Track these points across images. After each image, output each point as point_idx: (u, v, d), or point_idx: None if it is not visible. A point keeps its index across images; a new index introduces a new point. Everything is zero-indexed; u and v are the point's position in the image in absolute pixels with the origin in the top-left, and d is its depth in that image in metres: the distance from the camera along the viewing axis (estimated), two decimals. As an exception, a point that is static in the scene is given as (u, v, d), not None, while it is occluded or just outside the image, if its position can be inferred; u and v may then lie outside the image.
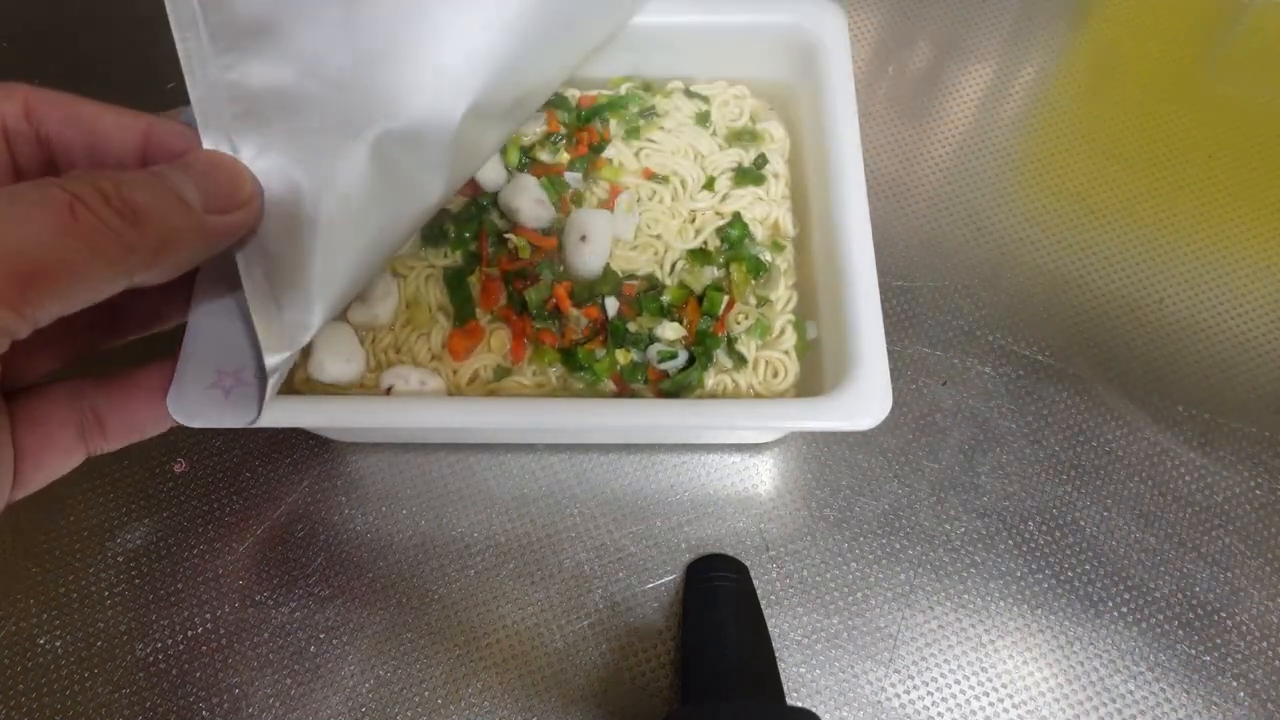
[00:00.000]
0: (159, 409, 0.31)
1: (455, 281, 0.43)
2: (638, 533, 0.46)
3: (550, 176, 0.44)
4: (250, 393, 0.32)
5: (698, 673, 0.40)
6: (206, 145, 0.28)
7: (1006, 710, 0.43)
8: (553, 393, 0.42)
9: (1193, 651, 0.44)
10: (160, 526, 0.45)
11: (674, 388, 0.41)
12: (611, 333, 0.41)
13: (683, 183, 0.46)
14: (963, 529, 0.46)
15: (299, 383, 0.41)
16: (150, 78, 0.46)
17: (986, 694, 0.43)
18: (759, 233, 0.45)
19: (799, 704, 0.42)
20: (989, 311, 0.51)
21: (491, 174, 0.44)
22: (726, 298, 0.42)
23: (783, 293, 0.44)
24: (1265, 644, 0.44)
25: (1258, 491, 0.47)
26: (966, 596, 0.45)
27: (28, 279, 0.21)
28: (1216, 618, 0.44)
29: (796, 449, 0.48)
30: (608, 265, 0.43)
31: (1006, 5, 0.61)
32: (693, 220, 0.45)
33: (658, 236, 0.45)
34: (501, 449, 0.47)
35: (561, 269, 0.43)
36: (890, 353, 0.37)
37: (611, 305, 0.42)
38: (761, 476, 0.47)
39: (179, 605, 0.44)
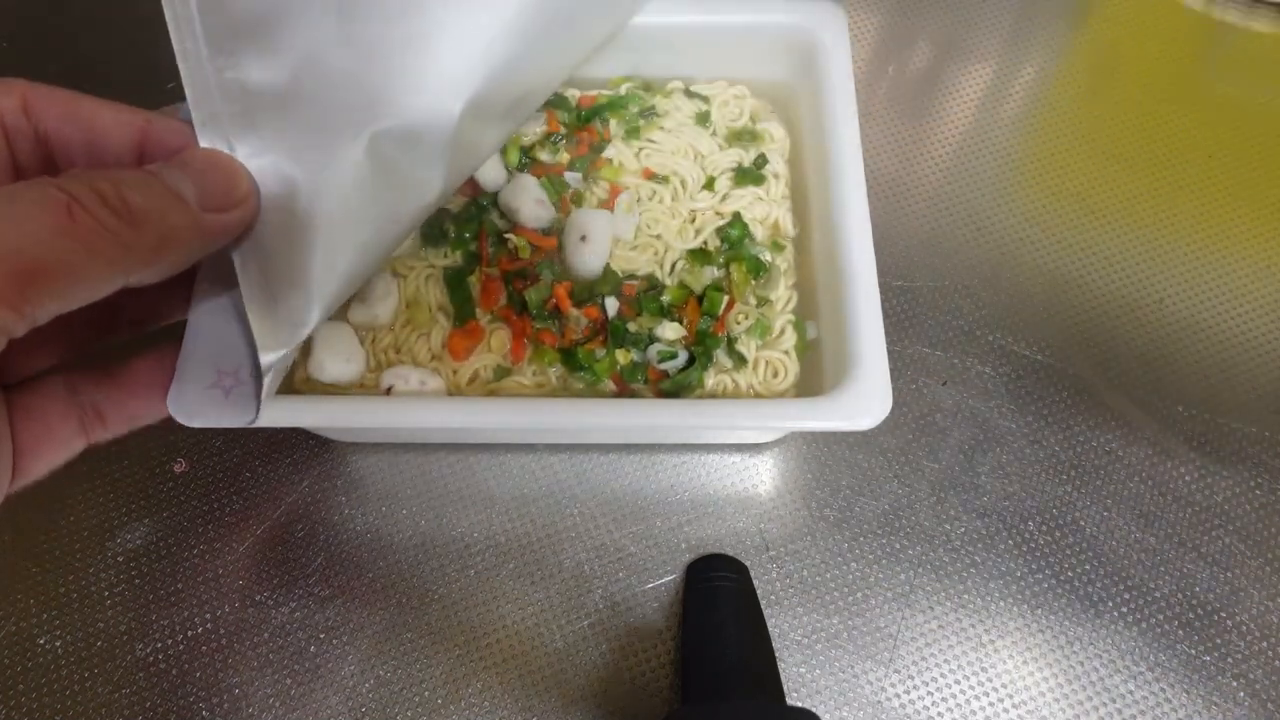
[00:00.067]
0: (157, 399, 0.31)
1: (455, 281, 0.43)
2: (638, 533, 0.46)
3: (550, 176, 0.44)
4: (249, 392, 0.32)
5: (698, 673, 0.40)
6: (203, 144, 0.28)
7: (1006, 710, 0.43)
8: (553, 393, 0.42)
9: (1193, 651, 0.44)
10: (160, 526, 0.45)
11: (674, 388, 0.41)
12: (611, 333, 0.41)
13: (683, 183, 0.46)
14: (963, 529, 0.46)
15: (299, 383, 0.41)
16: (150, 78, 0.46)
17: (986, 694, 0.43)
18: (759, 233, 0.45)
19: (799, 704, 0.42)
20: (989, 311, 0.51)
21: (491, 174, 0.44)
22: (726, 298, 0.42)
23: (783, 293, 0.44)
24: (1265, 644, 0.44)
25: (1258, 491, 0.47)
26: (966, 596, 0.45)
27: (26, 278, 0.21)
28: (1216, 618, 0.44)
29: (796, 449, 0.48)
30: (608, 265, 0.43)
31: (1006, 5, 0.61)
32: (693, 220, 0.45)
33: (658, 236, 0.45)
34: (501, 449, 0.47)
35: (561, 269, 0.43)
36: (890, 353, 0.37)
37: (611, 305, 0.42)
38: (761, 476, 0.47)
39: (179, 605, 0.44)
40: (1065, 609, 0.44)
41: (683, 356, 0.42)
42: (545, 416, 0.37)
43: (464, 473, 0.47)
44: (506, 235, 0.43)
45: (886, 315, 0.38)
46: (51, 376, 0.29)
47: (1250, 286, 0.52)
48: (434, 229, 0.43)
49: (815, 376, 0.42)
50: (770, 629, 0.43)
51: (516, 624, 0.44)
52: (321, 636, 0.43)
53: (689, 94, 0.48)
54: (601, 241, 0.42)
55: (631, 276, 0.44)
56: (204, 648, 0.43)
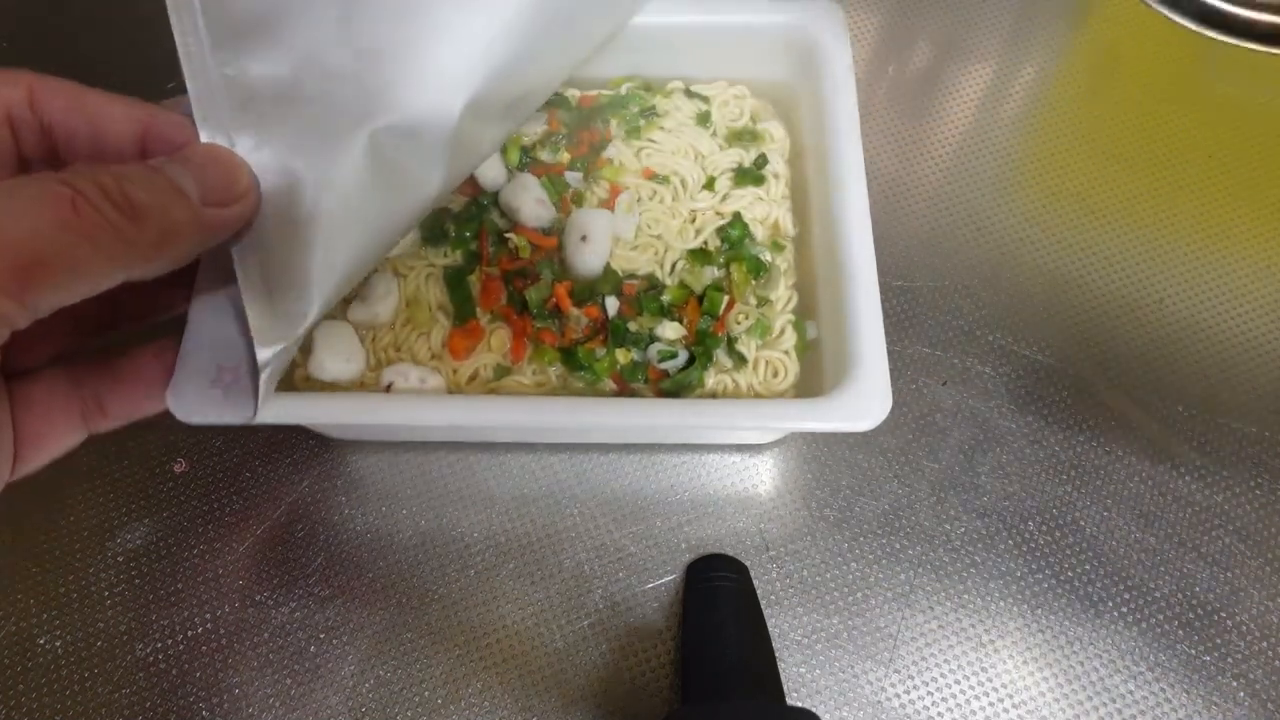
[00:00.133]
0: (159, 390, 0.32)
1: (455, 281, 0.43)
2: (638, 533, 0.46)
3: (551, 176, 0.44)
4: (248, 389, 0.32)
5: (698, 673, 0.40)
6: (204, 139, 0.28)
7: (1006, 710, 0.43)
8: (553, 392, 0.42)
9: (1193, 651, 0.44)
10: (160, 526, 0.45)
11: (674, 387, 0.41)
12: (612, 332, 0.41)
13: (683, 183, 0.46)
14: (963, 529, 0.46)
15: (299, 381, 0.41)
16: (150, 78, 0.46)
17: (986, 694, 0.43)
18: (759, 233, 0.45)
19: (799, 704, 0.42)
20: (989, 311, 0.51)
21: (492, 173, 0.44)
22: (727, 297, 0.42)
23: (783, 293, 0.44)
24: (1265, 644, 0.44)
25: (1258, 491, 0.47)
26: (966, 596, 0.45)
27: (29, 271, 0.22)
28: (1216, 618, 0.44)
29: (796, 449, 0.48)
30: (608, 265, 0.43)
31: (1006, 5, 0.61)
32: (693, 220, 0.45)
33: (658, 236, 0.45)
34: (502, 449, 0.47)
35: (561, 268, 0.43)
36: (890, 353, 0.37)
37: (612, 305, 0.42)
38: (761, 476, 0.47)
39: (179, 605, 0.44)
40: (1065, 609, 0.44)
41: (683, 356, 0.42)
42: (545, 415, 0.37)
43: (464, 473, 0.47)
44: (507, 235, 0.43)
45: (886, 315, 0.38)
46: (53, 368, 0.29)
47: (1250, 286, 0.52)
48: (434, 228, 0.43)
49: (815, 376, 0.42)
50: (770, 629, 0.43)
51: (516, 624, 0.44)
52: (321, 636, 0.43)
53: (689, 94, 0.48)
54: (602, 241, 0.42)
55: (632, 276, 0.44)
56: (204, 648, 0.43)
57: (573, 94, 0.47)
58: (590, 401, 0.39)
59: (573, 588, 0.44)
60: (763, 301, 0.44)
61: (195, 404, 0.32)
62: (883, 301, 0.38)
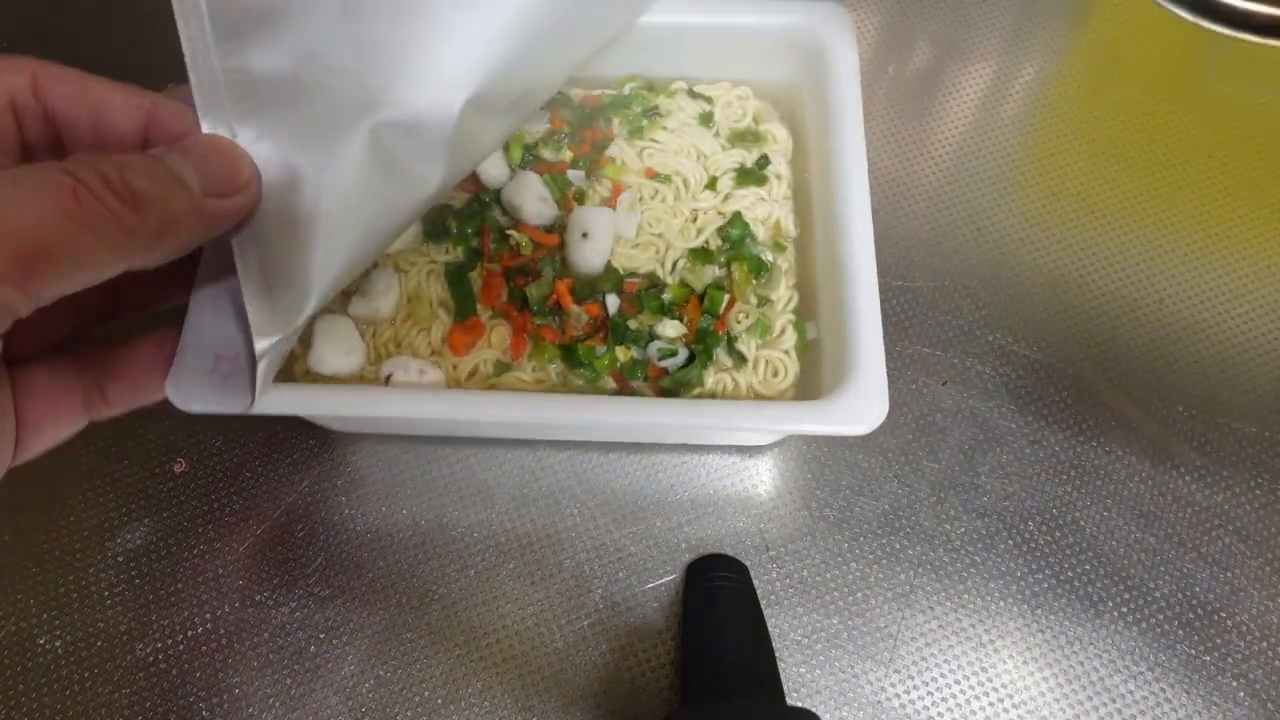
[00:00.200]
0: (158, 379, 0.32)
1: (457, 277, 0.43)
2: (638, 533, 0.46)
3: (553, 174, 0.44)
4: (246, 379, 0.32)
5: (698, 673, 0.40)
6: (205, 129, 0.28)
7: (1006, 710, 0.43)
8: (552, 389, 0.42)
9: (1193, 651, 0.44)
10: (160, 526, 0.45)
11: (674, 385, 0.41)
12: (612, 330, 0.41)
13: (685, 182, 0.46)
14: (963, 529, 0.46)
15: (299, 375, 0.41)
16: (150, 78, 0.45)
17: (986, 694, 0.43)
18: (760, 233, 0.45)
19: (799, 704, 0.42)
20: (989, 311, 0.51)
21: (494, 171, 0.44)
22: (727, 296, 0.42)
23: (783, 293, 0.44)
24: (1265, 644, 0.44)
25: (1258, 491, 0.47)
26: (966, 596, 0.45)
27: (32, 259, 0.22)
28: (1216, 618, 0.44)
29: (796, 449, 0.48)
30: (609, 263, 0.43)
31: (1006, 5, 0.61)
32: (694, 219, 0.45)
33: (659, 235, 0.45)
34: (502, 448, 0.47)
35: (563, 266, 0.43)
36: (890, 353, 0.37)
37: (612, 302, 0.42)
38: (761, 476, 0.47)
39: (179, 605, 0.44)
40: (1065, 609, 0.44)
41: (683, 354, 0.42)
42: (543, 412, 0.37)
43: (464, 473, 0.47)
44: (509, 232, 0.43)
45: (886, 315, 0.38)
46: (55, 355, 0.30)
47: (1250, 286, 0.52)
48: (437, 225, 0.44)
49: (815, 377, 0.42)
50: (770, 629, 0.43)
51: (516, 624, 0.44)
52: (321, 636, 0.43)
53: (693, 94, 0.48)
54: (603, 239, 0.43)
55: (633, 274, 0.44)
56: (204, 648, 0.43)
57: (576, 93, 0.47)
58: (589, 399, 0.39)
59: (573, 588, 0.44)
60: (763, 301, 0.44)
61: (193, 393, 0.32)
62: (883, 301, 0.38)
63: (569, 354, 0.41)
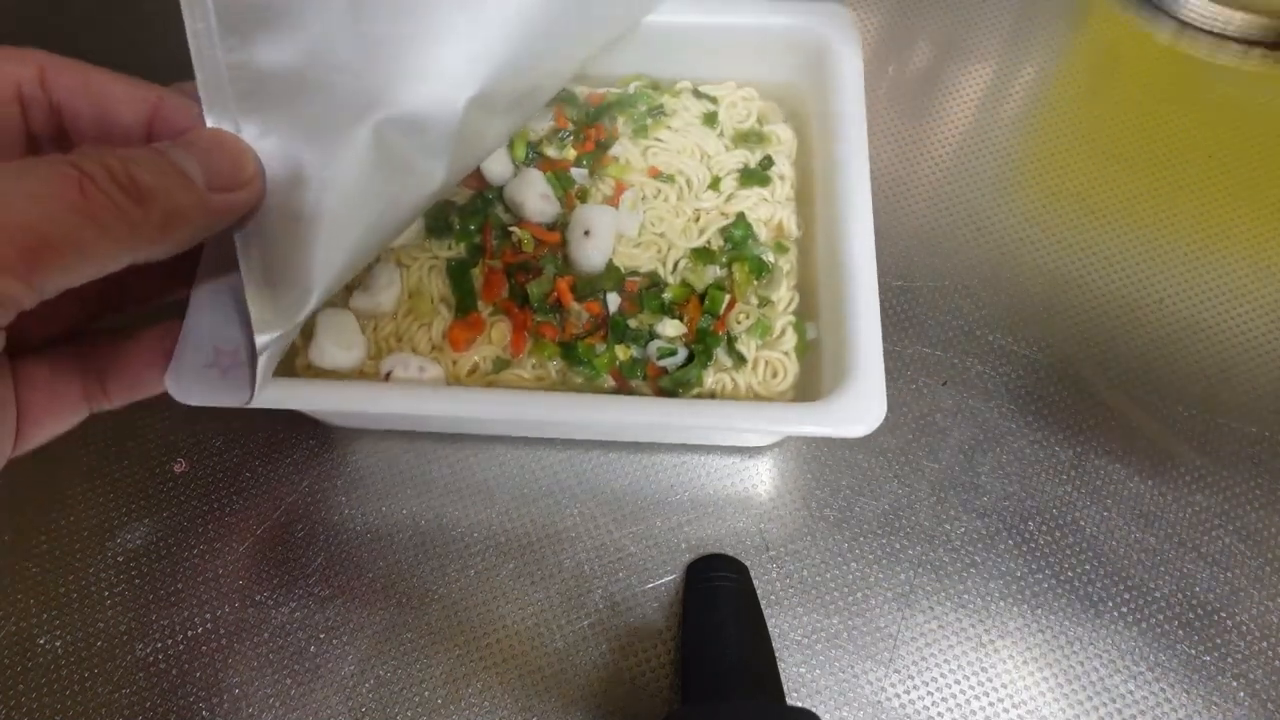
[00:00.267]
0: (159, 373, 0.32)
1: (458, 273, 0.43)
2: (638, 533, 0.46)
3: (556, 172, 0.44)
4: (246, 373, 0.32)
5: (698, 673, 0.40)
6: (210, 124, 0.28)
7: (1006, 710, 0.43)
8: (552, 387, 0.42)
9: (1193, 651, 0.44)
10: (160, 526, 0.45)
11: (673, 385, 0.41)
12: (612, 328, 0.41)
13: (688, 182, 0.46)
14: (963, 529, 0.46)
15: (299, 369, 0.41)
16: (150, 78, 0.45)
17: (986, 694, 0.43)
18: (763, 233, 0.45)
19: (799, 704, 0.42)
20: (989, 311, 0.51)
21: (498, 168, 0.44)
22: (728, 297, 0.42)
23: (784, 294, 0.44)
24: (1265, 644, 0.44)
25: (1258, 491, 0.47)
26: (966, 596, 0.45)
27: (36, 252, 0.22)
28: (1216, 618, 0.44)
29: (796, 449, 0.48)
30: (610, 261, 0.43)
31: (1006, 5, 0.61)
32: (697, 219, 0.45)
33: (661, 234, 0.45)
34: (502, 448, 0.47)
35: (564, 264, 0.43)
36: (890, 353, 0.37)
37: (613, 301, 0.42)
38: (761, 476, 0.47)
39: (179, 605, 0.44)
40: (1065, 609, 0.44)
41: (682, 354, 0.42)
42: (542, 410, 0.37)
43: (464, 473, 0.47)
44: (511, 229, 0.43)
45: (886, 315, 0.38)
46: (57, 347, 0.30)
47: (1250, 286, 0.52)
48: (439, 220, 0.44)
49: (814, 377, 0.42)
50: (770, 629, 0.43)
51: (516, 624, 0.44)
52: (321, 636, 0.43)
53: (697, 94, 0.48)
54: (605, 237, 0.43)
55: (634, 273, 0.44)
56: (204, 648, 0.43)
57: (581, 91, 0.47)
58: (588, 398, 0.39)
59: (573, 588, 0.44)
60: (764, 302, 0.44)
61: (193, 386, 0.32)
62: (883, 301, 0.38)
63: (569, 352, 0.41)
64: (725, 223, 0.45)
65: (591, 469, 0.47)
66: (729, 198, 0.45)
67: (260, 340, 0.30)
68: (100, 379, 0.30)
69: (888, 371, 0.37)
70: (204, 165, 0.26)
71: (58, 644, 0.43)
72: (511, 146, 0.45)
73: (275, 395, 0.36)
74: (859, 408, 0.36)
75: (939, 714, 0.42)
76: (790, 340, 0.43)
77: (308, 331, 0.41)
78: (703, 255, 0.44)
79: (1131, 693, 0.43)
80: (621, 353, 0.41)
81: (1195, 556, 0.45)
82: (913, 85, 0.59)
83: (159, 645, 0.43)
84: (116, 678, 0.42)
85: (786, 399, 0.42)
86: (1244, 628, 0.44)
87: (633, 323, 0.42)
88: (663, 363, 0.42)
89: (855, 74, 0.44)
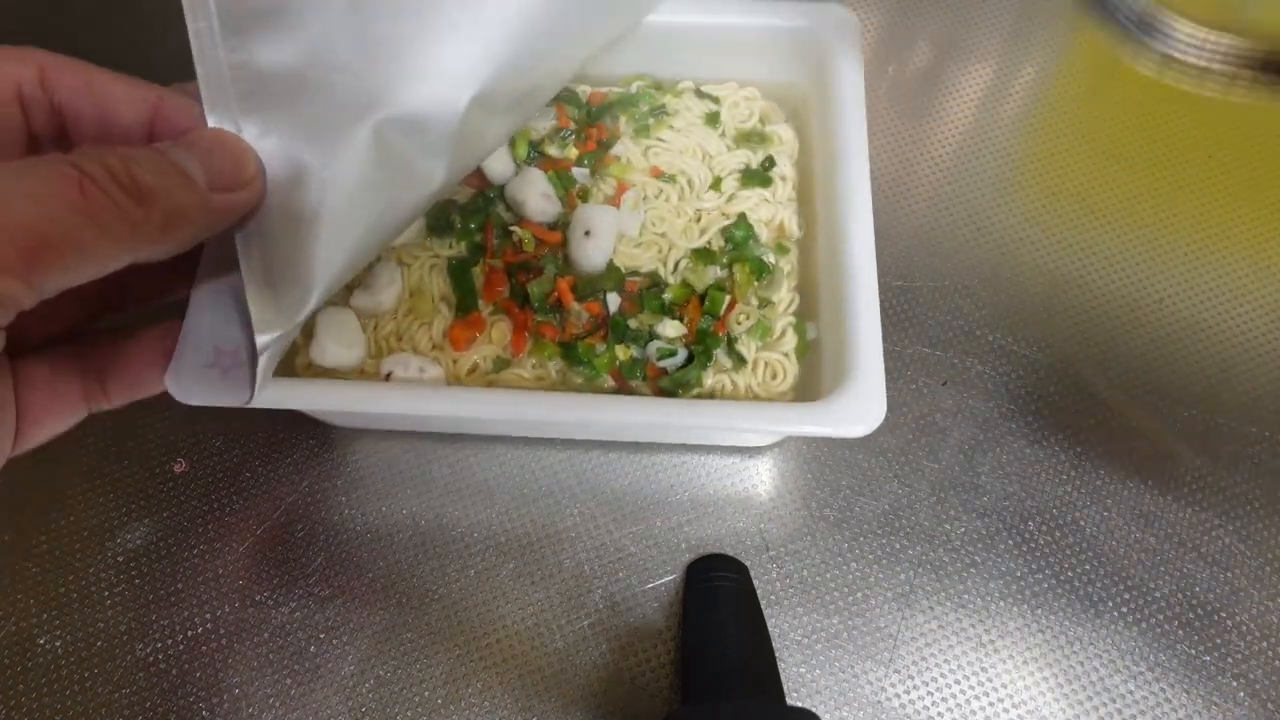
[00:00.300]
0: (159, 372, 0.32)
1: (459, 272, 0.43)
2: (638, 533, 0.46)
3: (558, 171, 0.44)
4: (246, 373, 0.32)
5: (698, 673, 0.40)
6: (211, 124, 0.28)
7: (1006, 710, 0.43)
8: (552, 387, 0.42)
9: (1193, 651, 0.44)
10: (160, 526, 0.45)
11: (672, 385, 0.41)
12: (612, 328, 0.41)
13: (689, 182, 0.46)
14: (963, 529, 0.46)
15: (300, 368, 0.41)
16: (150, 78, 0.45)
17: (986, 694, 0.43)
18: (764, 234, 0.45)
19: (799, 704, 0.42)
20: (989, 311, 0.51)
21: (499, 167, 0.44)
22: (728, 297, 0.42)
23: (785, 295, 0.44)
24: (1265, 644, 0.44)
25: (1258, 491, 0.47)
26: (966, 596, 0.45)
27: (37, 252, 0.22)
28: (1216, 618, 0.44)
29: (796, 449, 0.48)
30: (611, 261, 0.43)
31: (1006, 5, 0.61)
32: (698, 220, 0.45)
33: (662, 235, 0.45)
34: (502, 448, 0.47)
35: (564, 263, 0.43)
36: (890, 353, 0.37)
37: (613, 301, 0.42)
38: (761, 476, 0.47)
39: (179, 605, 0.44)
40: (1065, 609, 0.44)
41: (682, 354, 0.42)
42: (542, 410, 0.37)
43: (464, 473, 0.47)
44: (512, 228, 0.43)
45: (886, 315, 0.38)
46: (57, 346, 0.30)
47: (1250, 286, 0.52)
48: (440, 219, 0.44)
49: (814, 377, 0.42)
50: (770, 629, 0.43)
51: (516, 624, 0.44)
52: (321, 636, 0.43)
53: (700, 94, 0.48)
54: (606, 237, 0.42)
55: (634, 273, 0.44)
56: (204, 648, 0.43)
57: (583, 90, 0.47)
58: (587, 397, 0.39)
59: (573, 588, 0.44)
60: (764, 303, 0.44)
61: (193, 385, 0.32)
62: (882, 301, 0.38)
63: (569, 351, 0.41)
64: (726, 223, 0.45)
65: (591, 469, 0.47)
66: (730, 198, 0.45)
67: (261, 340, 0.30)
68: (100, 379, 0.30)
69: (888, 371, 0.37)
70: (205, 165, 0.26)
71: (58, 644, 0.43)
72: (513, 145, 0.45)
73: (275, 395, 0.36)
74: (859, 408, 0.36)
75: (939, 714, 0.42)
76: (790, 341, 0.43)
77: (308, 330, 0.41)
78: (703, 256, 0.44)
79: (1131, 693, 0.43)
80: (621, 353, 0.41)
81: (1195, 556, 0.45)
82: (913, 85, 0.59)
83: (159, 645, 0.43)
84: (116, 678, 0.42)
85: (786, 400, 0.42)
86: (1244, 628, 0.44)
87: (633, 323, 0.42)
88: (662, 363, 0.42)
89: (856, 74, 0.44)
